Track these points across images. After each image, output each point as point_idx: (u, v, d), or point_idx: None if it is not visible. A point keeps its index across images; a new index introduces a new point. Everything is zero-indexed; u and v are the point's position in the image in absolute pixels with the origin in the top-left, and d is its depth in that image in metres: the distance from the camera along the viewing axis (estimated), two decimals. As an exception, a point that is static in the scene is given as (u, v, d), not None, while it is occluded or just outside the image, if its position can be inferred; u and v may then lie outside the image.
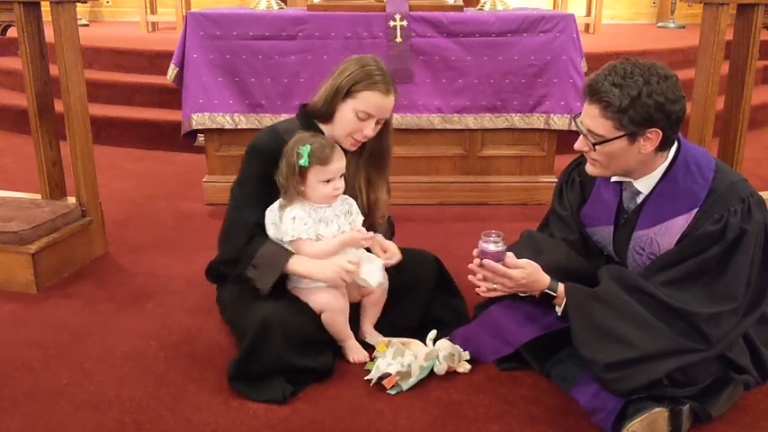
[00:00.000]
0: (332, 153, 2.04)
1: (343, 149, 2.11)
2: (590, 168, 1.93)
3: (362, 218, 2.19)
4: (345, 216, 2.16)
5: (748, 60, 2.75)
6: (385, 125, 2.17)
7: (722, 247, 1.78)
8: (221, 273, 2.33)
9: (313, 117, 2.15)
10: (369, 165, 2.23)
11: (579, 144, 1.90)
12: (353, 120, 2.07)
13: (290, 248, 2.10)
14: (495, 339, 2.08)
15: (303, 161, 2.01)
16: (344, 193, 2.16)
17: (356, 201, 2.20)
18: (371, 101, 2.05)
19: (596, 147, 1.82)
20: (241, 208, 2.15)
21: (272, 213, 2.12)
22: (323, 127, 2.15)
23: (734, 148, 2.86)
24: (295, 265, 2.08)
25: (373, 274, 2.13)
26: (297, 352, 2.01)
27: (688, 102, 2.88)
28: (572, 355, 1.95)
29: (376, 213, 2.25)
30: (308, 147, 2.01)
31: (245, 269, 2.08)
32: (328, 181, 2.05)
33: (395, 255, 2.21)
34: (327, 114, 2.11)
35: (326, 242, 2.09)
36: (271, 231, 2.12)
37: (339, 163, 2.06)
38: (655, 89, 1.73)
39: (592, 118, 1.81)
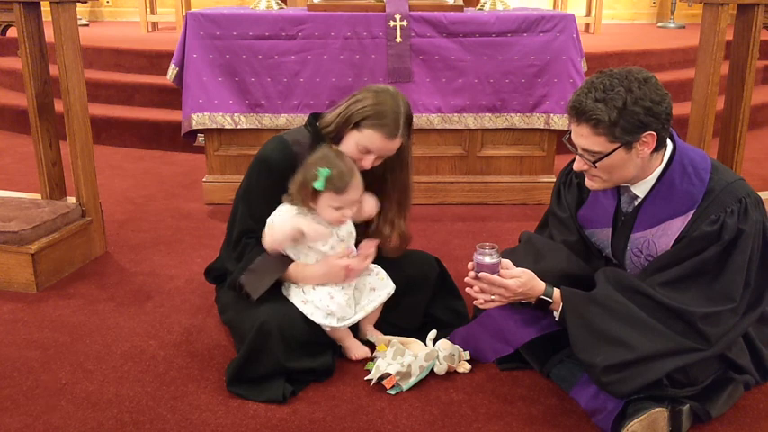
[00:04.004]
0: (350, 182, 2.00)
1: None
2: (590, 184, 1.92)
3: (353, 240, 2.17)
4: (348, 237, 2.14)
5: (748, 60, 2.75)
6: (399, 164, 2.17)
7: (719, 248, 1.78)
8: (220, 274, 2.34)
9: (324, 135, 2.13)
10: (390, 206, 2.22)
11: (578, 164, 1.89)
12: (354, 151, 2.07)
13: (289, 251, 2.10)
14: (496, 339, 2.08)
15: (318, 184, 1.96)
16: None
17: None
18: (374, 141, 2.04)
19: (596, 163, 1.82)
20: (245, 222, 2.13)
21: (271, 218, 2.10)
22: (323, 147, 2.13)
23: (734, 148, 2.87)
24: (294, 272, 2.09)
25: (384, 284, 2.16)
26: (295, 355, 2.01)
27: (688, 102, 2.91)
28: (572, 356, 1.94)
29: (384, 242, 2.22)
30: (328, 171, 1.96)
31: (240, 274, 2.08)
32: (338, 208, 2.03)
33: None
34: (336, 139, 2.11)
35: (313, 267, 2.08)
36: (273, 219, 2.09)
37: (354, 194, 2.03)
38: (638, 95, 1.73)
39: (584, 137, 1.81)
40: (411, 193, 2.27)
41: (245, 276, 2.08)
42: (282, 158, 2.09)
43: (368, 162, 2.08)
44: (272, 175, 2.09)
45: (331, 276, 2.08)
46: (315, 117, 2.20)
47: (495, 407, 1.95)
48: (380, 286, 2.16)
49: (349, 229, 2.14)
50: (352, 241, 2.17)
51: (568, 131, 1.87)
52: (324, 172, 1.96)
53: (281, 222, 2.04)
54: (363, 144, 2.05)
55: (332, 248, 2.09)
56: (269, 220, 2.07)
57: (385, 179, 2.20)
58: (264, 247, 2.10)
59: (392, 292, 2.17)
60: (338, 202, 2.01)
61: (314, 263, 2.09)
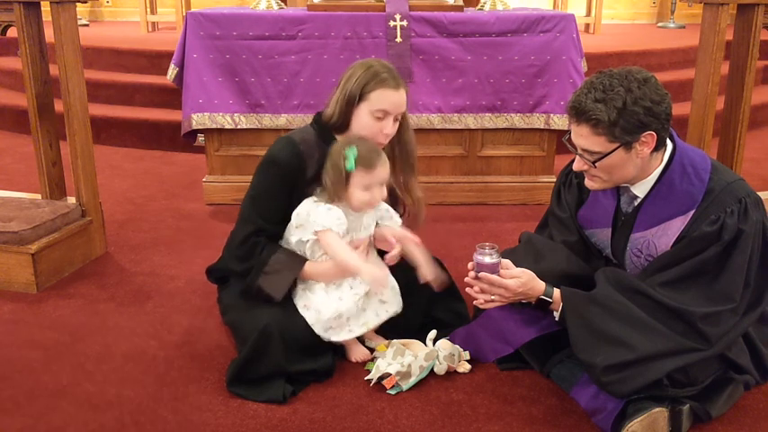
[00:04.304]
0: (378, 158, 2.01)
1: None
2: (590, 184, 1.92)
3: (399, 217, 2.18)
4: (374, 224, 2.14)
5: (748, 60, 2.75)
6: (402, 123, 2.16)
7: (719, 248, 1.78)
8: (222, 274, 2.33)
9: (329, 129, 2.13)
10: (401, 169, 2.22)
11: (578, 164, 1.89)
12: (372, 122, 2.06)
13: (308, 249, 2.10)
14: (496, 339, 2.08)
15: (349, 164, 1.97)
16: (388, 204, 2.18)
17: (398, 207, 2.20)
18: (384, 98, 2.05)
19: (596, 163, 1.82)
20: (254, 221, 2.12)
21: (299, 216, 2.07)
22: (339, 138, 2.13)
23: (734, 148, 2.87)
24: (309, 269, 2.09)
25: (394, 301, 2.17)
26: (296, 357, 2.01)
27: (688, 102, 2.91)
28: (572, 356, 1.95)
29: (419, 215, 2.24)
30: (355, 149, 1.98)
31: (257, 278, 2.08)
32: (368, 188, 2.02)
33: (396, 254, 2.16)
34: (344, 124, 2.10)
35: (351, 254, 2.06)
36: (294, 237, 2.09)
37: (383, 170, 2.03)
38: (638, 95, 1.73)
39: (584, 138, 1.81)
40: (416, 156, 2.25)
41: (262, 279, 2.07)
42: (291, 158, 2.08)
43: (389, 126, 2.07)
44: (281, 175, 2.08)
45: (346, 273, 2.07)
46: (320, 115, 2.20)
47: (495, 407, 1.95)
48: (393, 301, 2.15)
49: (368, 234, 2.13)
50: (367, 241, 2.17)
51: (568, 131, 1.88)
52: (352, 151, 1.98)
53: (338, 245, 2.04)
54: (377, 107, 2.04)
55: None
56: (297, 214, 2.08)
57: (392, 149, 2.18)
58: (275, 247, 2.09)
59: (399, 311, 2.16)
60: (368, 179, 2.01)
61: (328, 260, 2.09)
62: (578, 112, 1.79)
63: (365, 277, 2.01)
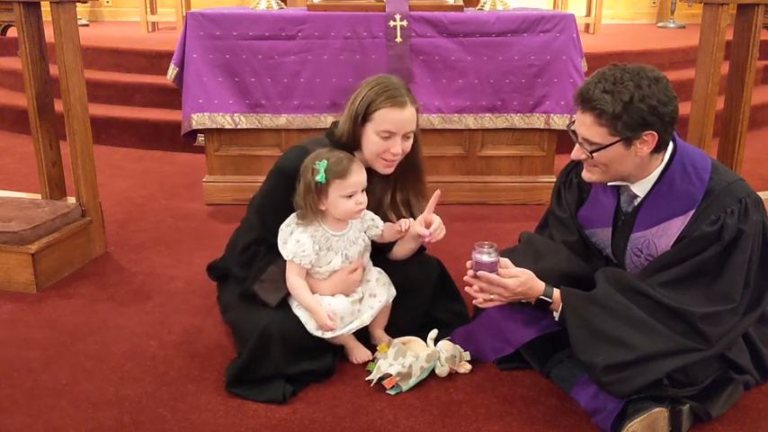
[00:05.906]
0: (350, 165, 1.98)
1: (376, 173, 2.10)
2: (587, 175, 1.93)
3: (382, 224, 2.14)
4: (364, 238, 2.12)
5: (748, 60, 2.75)
6: (414, 143, 2.12)
7: (719, 248, 1.78)
8: (223, 272, 2.33)
9: (342, 146, 2.09)
10: (404, 186, 2.20)
11: (576, 153, 1.90)
12: (378, 141, 2.03)
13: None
14: (496, 339, 2.08)
15: (320, 177, 1.94)
16: (381, 218, 2.15)
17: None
18: (389, 118, 2.01)
19: (593, 154, 1.83)
20: (257, 230, 2.12)
21: (282, 232, 2.07)
22: (356, 153, 2.11)
23: (734, 148, 2.87)
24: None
25: (385, 291, 2.15)
26: (296, 358, 2.01)
27: (688, 102, 2.92)
28: (572, 356, 1.94)
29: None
30: (325, 162, 1.95)
31: (253, 284, 2.08)
32: (350, 196, 1.99)
33: (437, 226, 2.14)
34: (354, 143, 2.08)
35: (307, 295, 2.04)
36: (281, 249, 2.08)
37: (359, 176, 2.00)
38: (646, 93, 1.74)
39: (586, 126, 1.81)
40: (424, 178, 2.23)
41: (257, 286, 2.07)
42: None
43: (396, 146, 2.03)
44: (290, 186, 2.05)
45: (344, 289, 2.08)
46: (333, 129, 2.16)
47: (495, 407, 1.95)
48: (381, 292, 2.14)
49: (359, 249, 2.11)
50: (368, 254, 2.16)
51: (573, 119, 1.88)
52: (321, 164, 1.95)
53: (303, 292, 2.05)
54: (382, 128, 2.01)
55: (342, 263, 2.08)
56: (282, 238, 2.06)
57: (400, 163, 2.15)
58: (274, 256, 2.09)
59: (393, 296, 2.16)
60: (346, 188, 1.98)
61: (326, 277, 2.08)
62: (584, 100, 1.79)
63: (316, 321, 2.02)
